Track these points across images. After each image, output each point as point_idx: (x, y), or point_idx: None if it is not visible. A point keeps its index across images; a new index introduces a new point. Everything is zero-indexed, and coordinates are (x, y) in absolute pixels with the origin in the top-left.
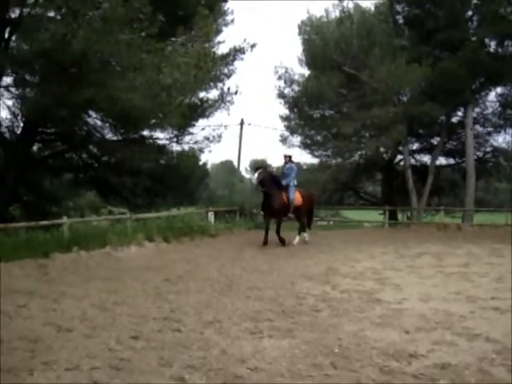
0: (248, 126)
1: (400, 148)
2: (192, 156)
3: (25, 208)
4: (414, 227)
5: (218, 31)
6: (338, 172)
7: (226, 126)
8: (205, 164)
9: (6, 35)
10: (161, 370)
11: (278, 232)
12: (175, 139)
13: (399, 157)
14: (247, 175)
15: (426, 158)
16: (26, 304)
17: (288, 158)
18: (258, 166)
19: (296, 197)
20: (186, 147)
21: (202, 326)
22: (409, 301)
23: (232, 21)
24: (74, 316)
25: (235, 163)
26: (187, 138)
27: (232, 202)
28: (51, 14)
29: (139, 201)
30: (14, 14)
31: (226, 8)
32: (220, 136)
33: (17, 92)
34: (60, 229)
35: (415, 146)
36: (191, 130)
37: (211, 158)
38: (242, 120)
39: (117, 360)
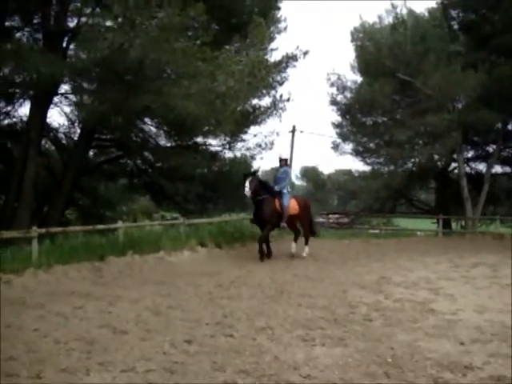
0: (300, 133)
1: (454, 156)
2: (244, 163)
3: (80, 212)
4: (468, 237)
5: (271, 38)
6: (391, 180)
7: (277, 133)
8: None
9: (64, 44)
10: (214, 374)
11: (260, 240)
12: (228, 146)
13: (453, 165)
14: (298, 182)
15: (481, 166)
16: (83, 306)
17: (284, 162)
18: (248, 173)
19: (291, 205)
20: (238, 154)
21: (255, 332)
22: (464, 312)
23: (285, 28)
24: (128, 319)
25: None
26: (239, 145)
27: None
28: (108, 23)
29: (191, 206)
30: (72, 23)
31: (279, 15)
32: (272, 143)
33: (74, 99)
34: (115, 233)
35: (470, 154)
36: (243, 136)
37: (262, 164)
38: (294, 127)
39: (171, 363)
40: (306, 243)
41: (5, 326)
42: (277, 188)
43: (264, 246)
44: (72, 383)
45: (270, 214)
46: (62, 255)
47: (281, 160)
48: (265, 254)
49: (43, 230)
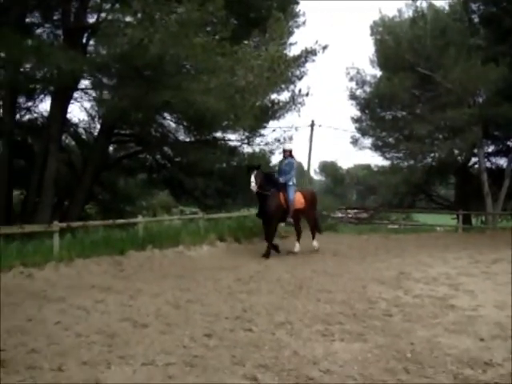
0: (318, 128)
1: (475, 150)
2: (262, 157)
3: (100, 207)
4: (488, 232)
5: (290, 33)
6: (410, 174)
7: (296, 128)
8: (275, 166)
9: (84, 40)
10: (233, 368)
11: (268, 239)
12: (246, 141)
13: (474, 159)
14: (316, 177)
15: (502, 161)
16: (103, 299)
17: (288, 153)
18: (252, 166)
19: (297, 198)
20: (257, 149)
21: (274, 327)
22: (484, 308)
23: (303, 22)
24: (149, 312)
25: (304, 165)
26: (258, 140)
27: None
28: (128, 19)
29: (210, 201)
30: (92, 19)
31: (297, 10)
32: (291, 138)
33: (94, 95)
34: (135, 227)
35: (491, 149)
36: (262, 131)
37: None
38: (313, 121)
39: (191, 357)
40: (313, 238)
41: (27, 319)
42: (282, 180)
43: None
44: (93, 376)
45: (275, 209)
46: (82, 249)
47: (284, 151)
48: (276, 248)
49: (64, 225)
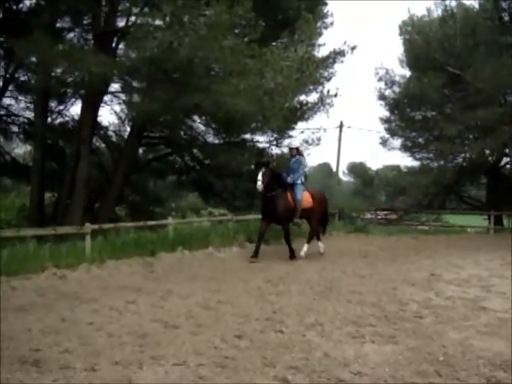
0: (347, 129)
1: (506, 150)
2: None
3: (130, 208)
4: None
5: (319, 34)
6: (440, 175)
7: (325, 129)
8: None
9: (114, 44)
10: (264, 369)
11: (287, 240)
12: (275, 142)
13: (505, 159)
14: (345, 178)
15: None
16: (135, 300)
17: (295, 151)
18: (262, 162)
19: (305, 198)
20: (286, 150)
21: (304, 328)
22: None
23: (331, 23)
24: (179, 313)
25: (332, 166)
26: (286, 141)
27: (330, 205)
28: (157, 22)
29: (239, 203)
30: (121, 23)
31: (325, 10)
32: (319, 139)
33: (124, 98)
34: (165, 229)
35: None
36: (290, 133)
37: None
38: (342, 122)
39: (222, 358)
40: (318, 239)
41: (60, 320)
42: (289, 180)
43: (263, 244)
44: (126, 376)
45: (285, 209)
46: (113, 251)
47: (291, 149)
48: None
49: (96, 227)
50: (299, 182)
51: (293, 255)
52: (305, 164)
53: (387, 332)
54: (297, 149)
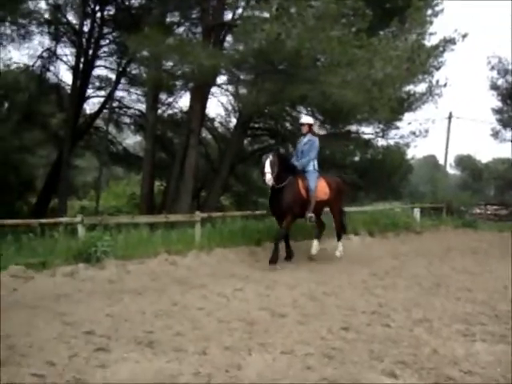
0: (456, 120)
1: None
2: (397, 151)
3: (234, 198)
4: None
5: (429, 22)
6: None
7: (433, 121)
8: (410, 159)
9: (221, 37)
10: (372, 363)
11: (277, 238)
12: (381, 134)
13: None
14: (452, 171)
15: None
16: (242, 288)
17: (307, 127)
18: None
19: (320, 187)
20: (392, 142)
21: (412, 324)
22: None
23: (442, 10)
24: (285, 303)
25: (438, 158)
26: (393, 133)
27: (436, 198)
28: (265, 14)
29: None
30: (228, 16)
31: None
32: (427, 131)
33: (230, 89)
34: (270, 219)
35: None
36: (397, 124)
37: (416, 152)
38: (451, 113)
39: (329, 349)
40: (339, 239)
41: (172, 304)
42: (299, 165)
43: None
44: (235, 361)
45: (291, 201)
46: (221, 239)
47: (302, 125)
48: (280, 257)
49: (205, 215)
50: (311, 167)
51: (274, 260)
52: (316, 147)
53: (499, 331)
54: (309, 125)
